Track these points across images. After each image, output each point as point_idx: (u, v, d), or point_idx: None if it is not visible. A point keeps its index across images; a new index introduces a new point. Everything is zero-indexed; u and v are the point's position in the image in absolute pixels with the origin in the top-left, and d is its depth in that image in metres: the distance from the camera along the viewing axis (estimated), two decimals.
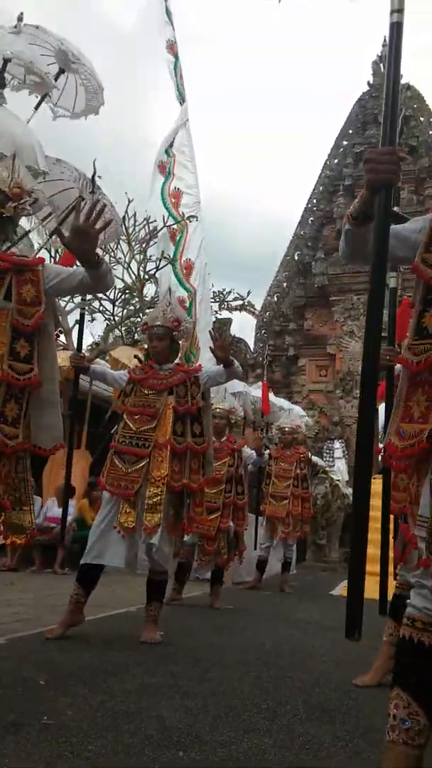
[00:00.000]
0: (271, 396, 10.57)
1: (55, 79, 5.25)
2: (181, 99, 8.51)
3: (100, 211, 2.03)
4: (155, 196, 8.23)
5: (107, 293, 9.28)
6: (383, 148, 1.50)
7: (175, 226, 8.15)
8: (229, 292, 11.94)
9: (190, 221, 8.27)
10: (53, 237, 4.94)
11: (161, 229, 8.29)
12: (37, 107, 5.22)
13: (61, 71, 5.35)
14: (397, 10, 1.55)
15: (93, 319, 10.28)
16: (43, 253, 6.95)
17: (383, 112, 1.57)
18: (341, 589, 7.10)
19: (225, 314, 12.07)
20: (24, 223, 3.80)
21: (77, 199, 2.04)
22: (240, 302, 11.85)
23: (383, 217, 1.49)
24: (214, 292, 11.65)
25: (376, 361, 1.54)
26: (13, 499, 2.18)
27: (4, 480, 2.11)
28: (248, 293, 11.82)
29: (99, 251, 2.14)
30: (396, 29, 1.55)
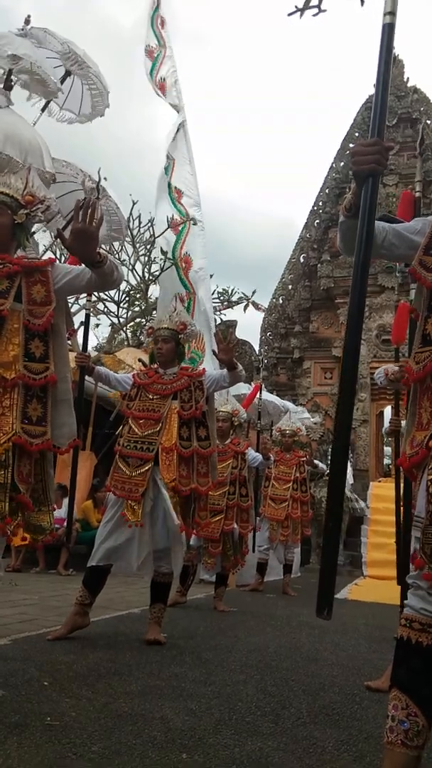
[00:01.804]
0: (275, 398, 10.55)
1: (61, 82, 5.28)
2: (174, 107, 8.52)
3: (93, 208, 2.04)
4: (163, 190, 8.24)
5: (112, 294, 9.31)
6: (368, 139, 1.53)
7: (177, 218, 8.16)
8: (234, 292, 11.96)
9: (195, 224, 8.28)
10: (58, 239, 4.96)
11: (164, 231, 8.31)
12: (43, 110, 5.25)
13: (68, 74, 5.38)
14: (390, 12, 1.56)
15: (98, 324, 10.30)
16: (49, 254, 6.99)
17: (373, 107, 1.59)
18: (347, 592, 7.08)
19: (230, 315, 12.09)
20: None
21: (78, 202, 2.04)
22: (245, 301, 11.85)
23: (369, 207, 1.50)
24: (218, 292, 11.66)
25: (356, 352, 1.54)
26: (33, 500, 2.18)
27: (25, 480, 2.12)
28: (253, 292, 11.84)
29: (102, 251, 2.15)
30: (388, 30, 1.56)
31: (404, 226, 1.65)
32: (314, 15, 1.69)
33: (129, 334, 10.59)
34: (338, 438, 1.55)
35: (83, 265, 2.21)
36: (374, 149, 1.51)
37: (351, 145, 14.09)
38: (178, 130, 8.51)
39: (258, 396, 7.86)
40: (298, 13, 1.70)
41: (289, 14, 1.69)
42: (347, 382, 1.53)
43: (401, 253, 1.64)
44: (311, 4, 1.68)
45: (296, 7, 1.69)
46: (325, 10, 1.68)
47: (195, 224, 8.23)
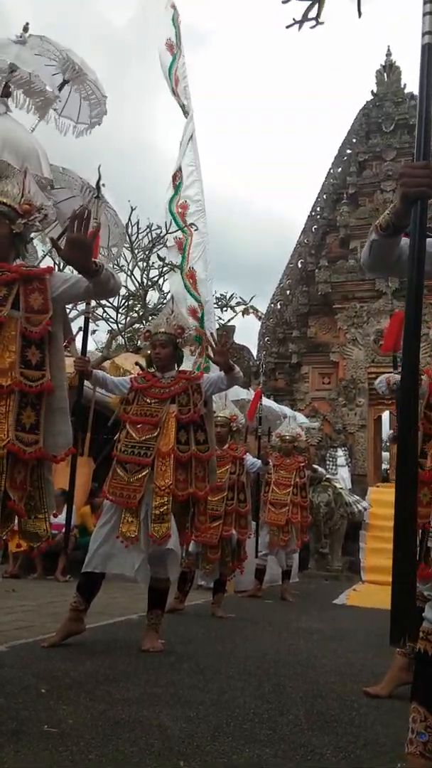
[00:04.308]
0: (273, 403, 10.56)
1: (59, 90, 5.30)
2: (182, 108, 8.51)
3: (88, 218, 2.05)
4: (165, 208, 8.27)
5: (110, 300, 9.32)
6: (417, 162, 1.53)
7: (180, 236, 8.18)
8: (231, 296, 12.00)
9: (193, 228, 8.29)
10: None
11: (164, 236, 8.32)
12: (41, 117, 5.26)
13: (65, 82, 5.40)
14: (429, 32, 1.57)
15: (95, 330, 10.31)
16: (47, 261, 7.00)
17: (417, 128, 1.59)
18: (345, 597, 7.07)
19: (230, 321, 12.12)
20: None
21: (73, 212, 2.05)
22: (243, 306, 11.90)
23: (419, 230, 1.50)
24: (216, 297, 11.67)
25: (415, 382, 1.52)
26: (29, 507, 2.18)
27: (20, 487, 2.12)
28: (251, 298, 11.88)
29: (102, 258, 2.17)
30: (428, 51, 1.57)
31: (427, 242, 1.66)
32: (312, 27, 1.71)
33: (125, 340, 10.60)
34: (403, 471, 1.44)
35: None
36: (425, 172, 1.50)
37: (348, 151, 14.14)
38: (188, 143, 8.50)
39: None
40: (296, 25, 1.71)
41: (288, 27, 1.70)
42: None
43: (425, 269, 1.64)
44: (309, 16, 1.70)
45: (294, 19, 1.70)
46: (322, 23, 1.69)
47: (196, 230, 8.24)
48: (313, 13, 1.69)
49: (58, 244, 2.13)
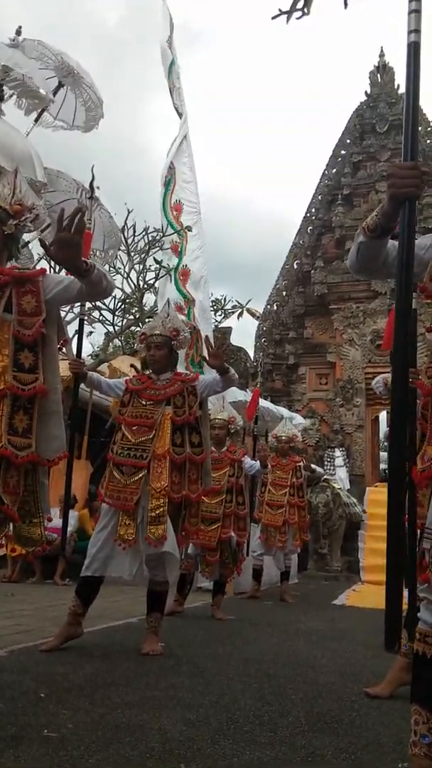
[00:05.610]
0: (270, 404, 10.56)
1: (54, 93, 5.29)
2: (176, 110, 8.53)
3: (75, 215, 2.04)
4: (160, 208, 8.29)
5: (106, 302, 9.29)
6: (405, 162, 1.52)
7: (177, 239, 8.17)
8: (228, 300, 12.01)
9: (189, 230, 8.30)
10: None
11: (160, 238, 8.32)
12: (36, 120, 5.26)
13: (60, 85, 5.40)
14: (415, 30, 1.56)
15: (91, 332, 10.30)
16: (43, 264, 6.99)
17: (403, 128, 1.58)
18: (344, 598, 7.06)
19: (225, 323, 12.12)
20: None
21: (60, 211, 2.04)
22: (239, 309, 11.91)
23: (407, 230, 1.50)
24: (212, 300, 11.68)
25: (405, 384, 1.52)
26: (23, 511, 2.16)
27: (12, 491, 2.10)
28: (248, 301, 11.88)
29: (97, 261, 2.15)
30: (414, 49, 1.57)
31: (416, 244, 1.65)
32: (298, 18, 1.70)
33: (122, 343, 10.58)
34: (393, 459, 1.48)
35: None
36: (412, 173, 1.50)
37: (342, 152, 14.16)
38: (181, 143, 8.50)
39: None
40: (283, 16, 1.70)
41: (273, 17, 1.69)
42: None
43: (414, 271, 1.64)
44: (296, 7, 1.69)
45: (280, 10, 1.70)
46: (308, 14, 1.69)
47: (190, 230, 8.25)
48: (300, 4, 1.68)
49: (47, 245, 2.12)
